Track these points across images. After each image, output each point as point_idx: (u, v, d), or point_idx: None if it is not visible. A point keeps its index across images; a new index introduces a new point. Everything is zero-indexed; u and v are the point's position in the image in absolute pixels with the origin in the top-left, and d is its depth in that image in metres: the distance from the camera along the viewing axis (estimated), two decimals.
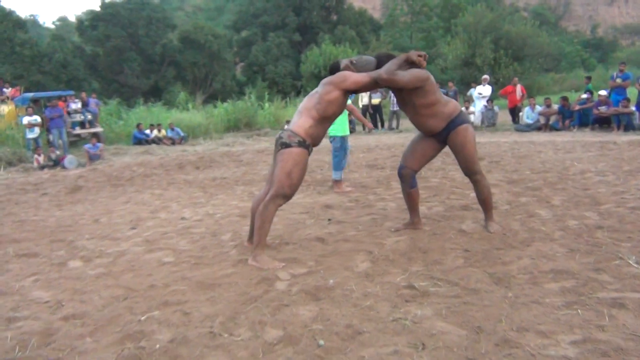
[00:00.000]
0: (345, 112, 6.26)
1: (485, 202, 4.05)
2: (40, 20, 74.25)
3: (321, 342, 2.31)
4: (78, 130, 15.04)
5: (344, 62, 3.93)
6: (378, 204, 5.35)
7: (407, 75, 3.67)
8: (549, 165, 6.90)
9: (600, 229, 3.80)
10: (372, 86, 3.81)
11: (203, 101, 29.46)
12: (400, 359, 2.14)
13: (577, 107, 11.92)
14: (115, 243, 4.44)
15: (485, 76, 15.31)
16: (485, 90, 14.64)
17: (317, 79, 31.04)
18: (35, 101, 15.78)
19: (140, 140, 15.86)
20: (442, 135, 3.93)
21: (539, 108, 12.66)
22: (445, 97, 4.00)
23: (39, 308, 3.01)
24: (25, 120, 13.16)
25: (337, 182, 6.37)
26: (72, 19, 64.99)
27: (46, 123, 14.40)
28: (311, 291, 2.94)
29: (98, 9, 39.01)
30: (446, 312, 2.54)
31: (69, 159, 11.41)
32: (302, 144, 3.61)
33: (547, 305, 2.54)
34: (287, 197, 3.66)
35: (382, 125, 16.50)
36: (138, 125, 16.37)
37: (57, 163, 11.45)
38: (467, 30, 33.57)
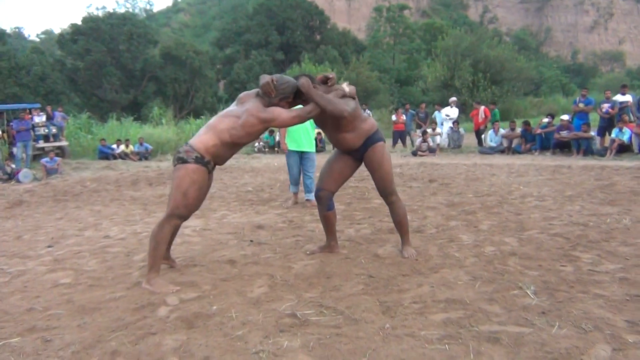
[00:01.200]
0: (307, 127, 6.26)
1: (400, 225, 3.93)
2: (25, 33, 73.85)
3: None
4: (42, 144, 14.79)
5: (265, 78, 3.73)
6: (310, 225, 5.22)
7: (345, 106, 3.55)
8: (495, 189, 6.83)
9: (514, 255, 3.69)
10: (300, 122, 3.67)
11: (183, 117, 29.33)
12: None
13: (539, 131, 11.95)
14: (22, 262, 4.23)
15: (453, 98, 15.37)
16: (452, 112, 14.68)
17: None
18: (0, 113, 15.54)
19: (107, 155, 15.65)
20: (360, 152, 3.83)
21: (502, 131, 12.70)
22: (364, 114, 3.92)
23: None
24: None
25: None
26: (58, 32, 64.97)
27: (11, 136, 14.16)
28: (189, 318, 2.78)
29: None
30: (314, 345, 2.38)
31: (24, 173, 11.15)
32: (199, 160, 3.39)
33: (420, 338, 2.39)
34: (183, 217, 3.48)
35: None
36: (102, 140, 16.15)
37: (11, 177, 11.19)
38: (447, 53, 33.92)
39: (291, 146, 6.42)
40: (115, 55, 38.01)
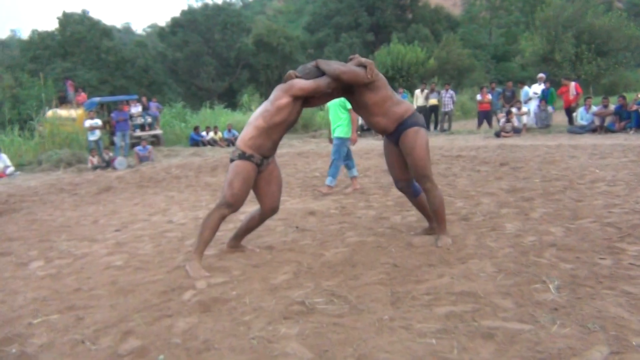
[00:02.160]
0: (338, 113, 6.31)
1: (436, 214, 3.85)
2: (133, 28, 78.97)
3: (161, 356, 2.31)
4: (139, 133, 15.90)
5: (289, 73, 3.94)
6: (359, 212, 5.24)
7: (352, 68, 3.65)
8: (566, 173, 6.41)
9: (553, 246, 3.49)
10: (321, 91, 3.75)
11: None
12: None
13: (635, 107, 10.95)
14: (88, 245, 4.66)
15: (541, 74, 14.43)
16: (540, 89, 13.83)
17: (385, 79, 30.74)
18: (102, 105, 16.87)
19: (197, 142, 16.50)
20: (394, 136, 3.82)
21: (594, 108, 11.78)
22: (398, 97, 3.88)
23: None
24: (87, 123, 14.07)
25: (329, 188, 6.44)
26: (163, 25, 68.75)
27: (112, 126, 15.37)
28: (207, 302, 2.95)
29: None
30: (309, 333, 2.45)
31: (119, 161, 12.07)
32: (242, 156, 3.67)
33: (414, 331, 2.38)
34: (231, 205, 3.68)
35: (435, 127, 16.06)
36: (195, 128, 17.02)
37: (109, 164, 12.16)
38: (546, 24, 31.82)
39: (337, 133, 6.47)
40: (211, 45, 39.63)
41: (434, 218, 3.90)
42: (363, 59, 3.78)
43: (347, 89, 3.84)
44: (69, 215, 6.31)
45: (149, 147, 13.11)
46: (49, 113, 16.42)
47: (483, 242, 3.74)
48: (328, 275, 3.32)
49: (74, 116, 16.03)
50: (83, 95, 17.67)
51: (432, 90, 15.87)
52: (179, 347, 2.41)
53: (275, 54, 39.10)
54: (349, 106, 5.56)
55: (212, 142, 16.65)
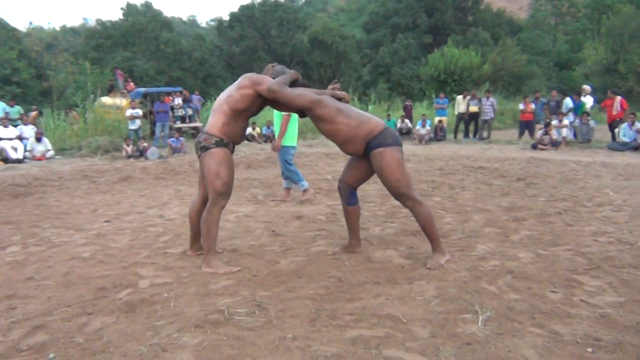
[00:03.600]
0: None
1: (425, 231, 3.62)
2: (199, 21, 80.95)
3: (51, 355, 2.33)
4: (179, 124, 16.28)
5: (268, 66, 3.92)
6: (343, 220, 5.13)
7: (295, 93, 3.53)
8: (578, 193, 6.05)
9: (510, 274, 3.30)
10: (283, 101, 3.63)
11: None
12: None
13: None
14: (71, 234, 4.79)
15: (586, 86, 13.72)
16: (585, 101, 13.15)
17: (437, 82, 30.23)
18: (146, 96, 17.40)
19: None
20: (367, 156, 3.69)
21: (638, 125, 11.08)
22: (362, 117, 3.65)
23: None
24: (128, 112, 14.54)
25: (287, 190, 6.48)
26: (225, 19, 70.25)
27: (154, 116, 15.84)
28: (134, 303, 2.96)
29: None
30: (208, 345, 2.40)
31: (151, 151, 12.40)
32: (219, 143, 3.58)
33: (308, 353, 2.28)
34: (225, 194, 3.61)
35: (475, 135, 15.62)
36: None
37: (142, 154, 12.52)
38: (612, 33, 30.37)
39: (291, 142, 6.33)
40: (267, 41, 40.11)
41: (427, 236, 3.67)
42: (338, 92, 3.74)
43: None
44: (75, 202, 6.53)
45: (182, 139, 13.41)
46: (102, 100, 17.10)
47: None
48: (269, 284, 3.26)
49: (120, 105, 16.62)
50: (131, 85, 18.27)
51: (473, 97, 15.41)
52: (77, 347, 2.42)
53: (330, 52, 39.10)
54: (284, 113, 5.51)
55: (250, 138, 16.80)
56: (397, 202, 5.75)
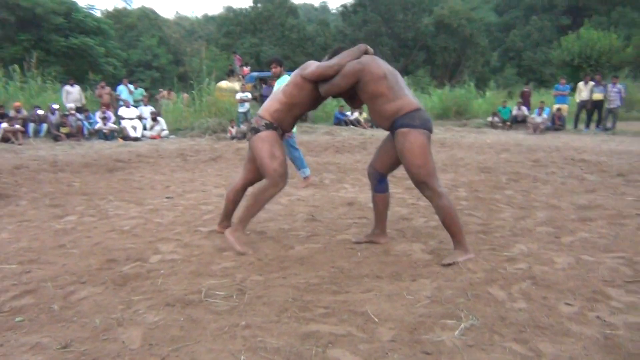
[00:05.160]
0: None
1: (445, 226, 3.33)
2: (330, 7, 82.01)
3: (18, 318, 2.46)
4: None
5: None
6: (395, 208, 4.87)
7: (331, 66, 3.40)
8: None
9: (532, 279, 2.89)
10: (325, 78, 3.45)
11: (452, 85, 28.96)
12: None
13: None
14: (128, 208, 5.07)
15: None
16: None
17: (570, 67, 27.67)
18: (260, 80, 18.01)
19: (340, 121, 16.76)
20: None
21: None
22: (399, 91, 3.37)
23: None
24: (238, 96, 15.17)
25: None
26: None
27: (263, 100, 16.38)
28: (129, 277, 3.03)
29: None
30: (163, 324, 2.37)
31: None
32: (269, 126, 3.57)
33: (253, 344, 2.17)
34: (284, 175, 3.58)
35: (598, 124, 14.09)
36: (341, 107, 17.28)
37: (245, 136, 12.99)
38: None
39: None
40: (390, 25, 39.50)
41: (447, 231, 3.37)
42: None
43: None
44: (156, 178, 6.93)
45: None
46: (219, 83, 18.06)
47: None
48: (267, 270, 3.18)
49: (235, 88, 17.39)
50: (246, 70, 19.02)
51: (597, 83, 13.87)
52: (49, 313, 2.53)
53: (455, 36, 37.58)
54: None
55: (356, 122, 16.75)
56: (457, 194, 5.39)
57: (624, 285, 2.80)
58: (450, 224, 3.31)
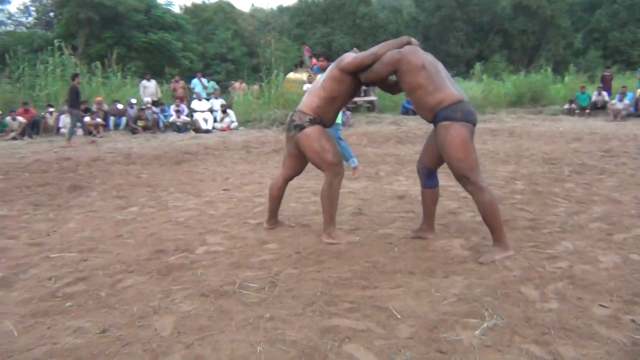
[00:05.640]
0: None
1: (486, 222, 3.27)
2: None
3: (68, 303, 2.69)
4: (355, 98, 16.66)
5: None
6: (444, 202, 4.80)
7: (369, 55, 3.44)
8: None
9: (569, 279, 2.79)
10: (364, 67, 3.49)
11: (527, 70, 27.81)
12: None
13: None
14: (186, 199, 5.33)
15: None
16: None
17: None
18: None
19: (407, 110, 16.56)
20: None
21: None
22: (441, 82, 3.31)
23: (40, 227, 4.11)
24: (305, 87, 15.30)
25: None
26: None
27: None
28: (173, 267, 3.22)
29: None
30: (194, 313, 2.52)
31: None
32: (313, 121, 3.65)
33: (273, 336, 2.27)
34: (339, 164, 3.69)
35: None
36: None
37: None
38: None
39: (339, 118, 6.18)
40: (466, 10, 38.26)
41: (487, 227, 3.30)
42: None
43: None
44: (218, 170, 7.20)
45: (348, 112, 13.71)
46: (288, 75, 18.34)
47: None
48: (303, 263, 3.27)
49: (302, 79, 17.57)
50: (314, 60, 19.13)
51: None
52: (96, 300, 2.75)
53: (534, 18, 35.81)
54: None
55: None
56: (514, 187, 5.24)
57: None
58: (491, 219, 3.24)
